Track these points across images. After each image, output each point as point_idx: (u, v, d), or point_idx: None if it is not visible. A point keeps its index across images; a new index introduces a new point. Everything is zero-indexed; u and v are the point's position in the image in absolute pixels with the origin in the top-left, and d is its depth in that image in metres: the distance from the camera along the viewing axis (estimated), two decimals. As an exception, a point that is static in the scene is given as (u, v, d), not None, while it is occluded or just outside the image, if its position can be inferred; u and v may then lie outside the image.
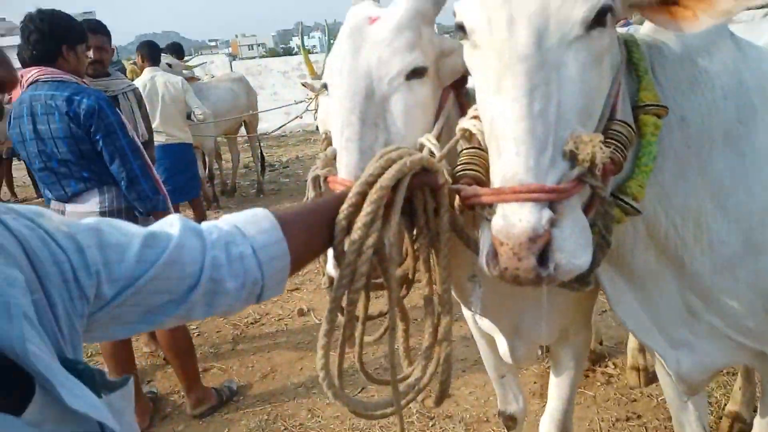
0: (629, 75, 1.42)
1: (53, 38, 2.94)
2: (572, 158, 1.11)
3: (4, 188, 10.09)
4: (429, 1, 1.51)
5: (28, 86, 2.94)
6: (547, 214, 1.06)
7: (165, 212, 3.15)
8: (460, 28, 1.24)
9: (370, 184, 1.12)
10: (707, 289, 1.53)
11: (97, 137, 2.92)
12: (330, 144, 1.49)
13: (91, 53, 3.58)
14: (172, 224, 0.99)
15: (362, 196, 1.12)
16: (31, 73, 2.94)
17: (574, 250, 1.08)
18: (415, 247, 1.30)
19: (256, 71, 16.96)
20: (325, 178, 1.42)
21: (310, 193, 1.48)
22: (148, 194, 3.06)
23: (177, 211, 5.91)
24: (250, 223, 1.06)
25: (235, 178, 9.15)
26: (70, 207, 3.06)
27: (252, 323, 4.63)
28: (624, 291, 1.63)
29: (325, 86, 1.53)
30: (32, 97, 2.90)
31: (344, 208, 1.12)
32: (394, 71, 1.40)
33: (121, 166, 2.97)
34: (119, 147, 2.97)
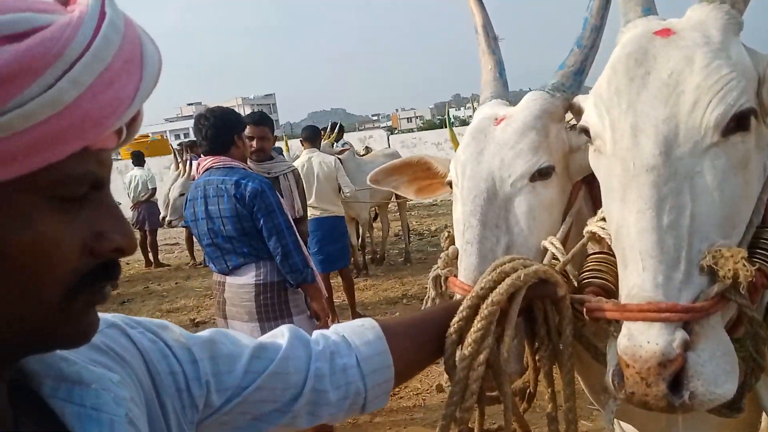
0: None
1: (225, 132, 3.43)
2: (711, 273, 1.00)
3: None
4: (557, 99, 1.49)
5: (203, 172, 3.45)
6: (680, 335, 0.96)
7: (313, 284, 3.45)
8: (585, 131, 1.20)
9: (482, 298, 1.10)
10: None
11: (259, 216, 3.27)
12: (452, 243, 1.49)
13: (254, 143, 4.15)
14: (282, 335, 1.04)
15: (474, 309, 1.10)
16: (206, 161, 3.44)
17: (714, 377, 0.96)
18: (537, 358, 1.24)
19: (411, 144, 17.65)
20: (446, 278, 1.42)
21: (431, 292, 1.47)
22: (299, 267, 3.32)
23: (328, 279, 6.21)
24: (356, 333, 1.09)
25: (385, 246, 9.42)
26: (230, 279, 3.40)
27: (390, 395, 4.62)
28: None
29: (450, 184, 1.55)
30: (206, 182, 3.37)
31: (455, 322, 1.10)
32: (517, 174, 1.38)
33: (278, 241, 3.28)
34: (277, 224, 3.30)
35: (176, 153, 7.29)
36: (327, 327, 1.14)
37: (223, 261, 3.38)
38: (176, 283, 9.38)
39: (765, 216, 1.12)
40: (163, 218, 6.99)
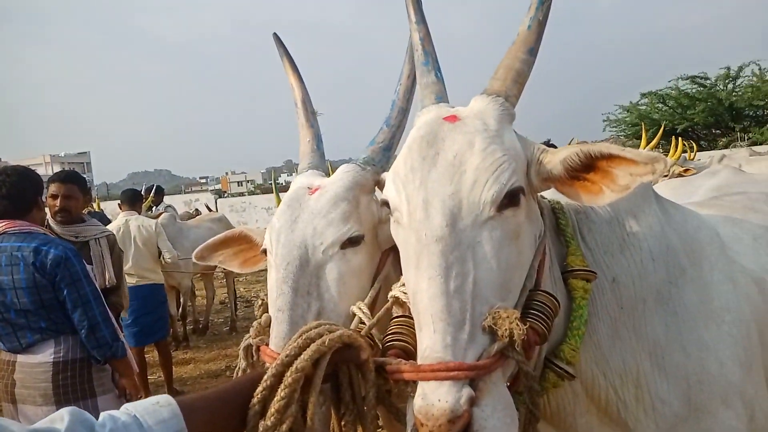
0: (557, 240, 1.48)
1: (25, 192, 3.05)
2: (492, 333, 1.11)
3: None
4: (368, 173, 1.59)
5: None
6: (466, 392, 1.05)
7: (123, 359, 3.15)
8: (386, 204, 1.30)
9: (287, 365, 1.11)
10: None
11: (62, 286, 2.95)
12: (266, 310, 1.50)
13: (58, 201, 3.69)
14: (62, 419, 0.96)
15: (278, 378, 1.10)
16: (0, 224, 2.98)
17: (496, 429, 1.05)
18: (342, 424, 1.27)
19: (241, 208, 17.39)
20: (258, 348, 1.41)
21: (242, 363, 1.46)
22: (107, 341, 3.05)
23: (142, 353, 5.74)
24: (149, 412, 1.03)
25: (209, 315, 9.01)
26: (22, 358, 2.98)
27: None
28: (570, 456, 1.57)
29: (264, 252, 1.56)
30: None
31: (258, 392, 1.09)
32: (328, 241, 1.44)
33: (84, 313, 2.99)
34: (83, 294, 3.00)
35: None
36: None
37: (15, 338, 2.95)
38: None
39: (537, 280, 1.27)
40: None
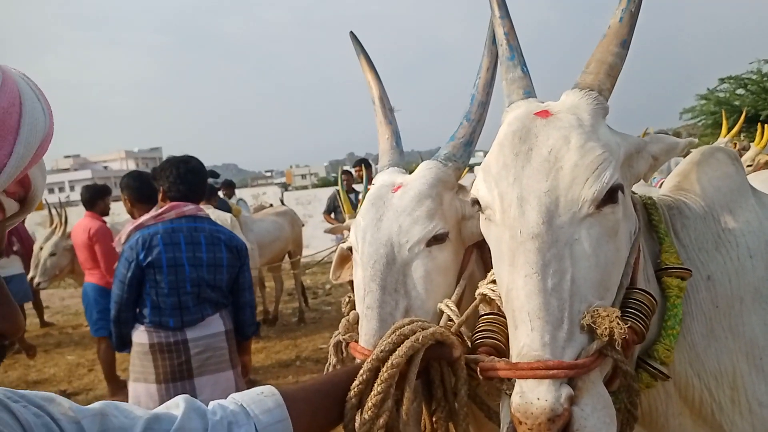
0: (650, 237, 1.44)
1: (205, 180, 3.49)
2: (591, 332, 1.10)
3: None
4: (450, 168, 1.59)
5: (180, 218, 3.26)
6: (566, 391, 1.04)
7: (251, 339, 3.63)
8: (476, 202, 1.29)
9: (382, 361, 1.13)
10: None
11: (244, 269, 3.43)
12: (353, 308, 1.53)
13: None
14: (177, 405, 1.02)
15: (374, 372, 1.13)
16: (188, 207, 3.29)
17: (596, 428, 1.04)
18: (434, 420, 1.28)
19: (306, 200, 17.66)
20: (347, 344, 1.44)
21: (332, 359, 1.49)
22: (255, 320, 3.56)
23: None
24: (255, 402, 1.08)
25: (278, 306, 9.23)
26: (195, 332, 3.21)
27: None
28: (662, 458, 1.53)
29: (350, 249, 1.59)
30: (194, 228, 3.24)
31: (355, 386, 1.12)
32: (414, 239, 1.45)
33: (250, 294, 3.49)
34: (249, 279, 3.48)
35: (51, 208, 6.82)
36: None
37: (198, 310, 3.22)
38: (45, 351, 8.58)
39: (633, 278, 1.25)
40: (31, 279, 6.44)
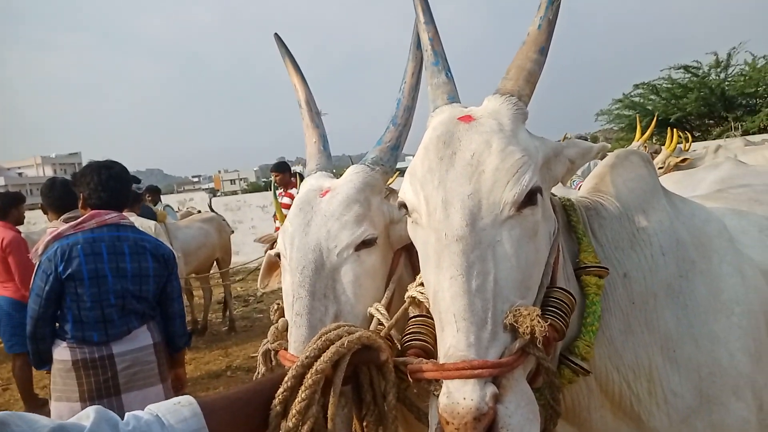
0: (569, 237, 1.49)
1: (128, 186, 3.29)
2: (513, 331, 1.13)
3: None
4: (377, 172, 1.60)
5: (102, 227, 3.07)
6: (490, 390, 1.06)
7: (184, 350, 3.48)
8: (402, 206, 1.31)
9: (307, 367, 1.12)
10: None
11: (171, 278, 3.27)
12: (282, 315, 1.51)
13: None
14: (88, 416, 0.98)
15: (299, 379, 1.12)
16: (111, 215, 3.09)
17: (520, 425, 1.07)
18: (364, 424, 1.28)
19: (236, 206, 17.32)
20: (276, 352, 1.42)
21: (261, 368, 1.46)
22: (187, 331, 3.42)
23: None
24: (170, 411, 1.06)
25: (207, 316, 8.99)
26: (120, 346, 3.04)
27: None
28: (585, 450, 1.59)
29: (278, 256, 1.57)
30: (117, 237, 3.08)
31: (279, 393, 1.11)
32: (343, 244, 1.44)
33: (179, 304, 3.33)
34: (177, 288, 3.33)
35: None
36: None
37: (124, 323, 3.04)
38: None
39: (553, 277, 1.29)
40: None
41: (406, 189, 1.28)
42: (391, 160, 1.67)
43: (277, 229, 8.14)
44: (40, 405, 5.45)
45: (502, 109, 1.30)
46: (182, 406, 1.07)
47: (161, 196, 11.25)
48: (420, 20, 1.52)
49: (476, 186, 1.18)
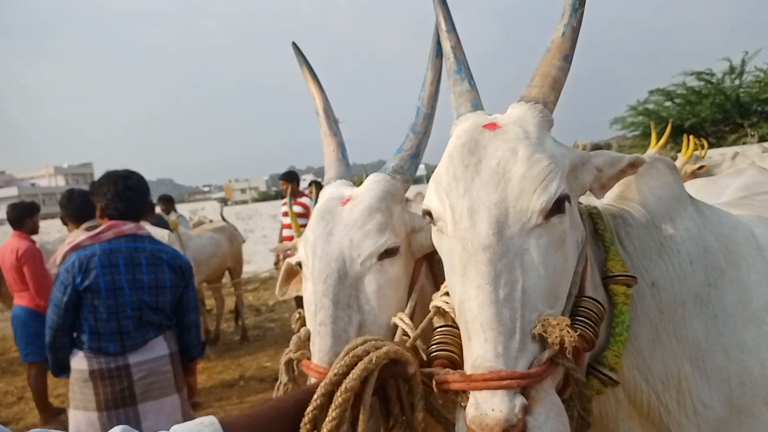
0: (596, 245, 1.47)
1: (146, 196, 3.31)
2: (542, 341, 1.11)
3: None
4: (398, 181, 1.59)
5: (119, 237, 3.09)
6: (519, 401, 1.04)
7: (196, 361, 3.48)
8: (427, 214, 1.29)
9: (336, 384, 1.11)
10: None
11: (188, 290, 3.28)
12: (304, 324, 1.49)
13: None
14: None
15: (328, 397, 1.10)
16: (128, 226, 3.11)
17: None
18: (392, 436, 1.26)
19: (247, 215, 17.38)
20: (299, 362, 1.40)
21: (283, 378, 1.45)
22: (201, 341, 3.43)
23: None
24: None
25: (219, 325, 9.00)
26: (137, 357, 3.05)
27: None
28: (613, 462, 1.56)
29: (299, 264, 1.55)
30: (134, 248, 3.08)
31: (309, 411, 1.10)
32: (366, 253, 1.43)
33: (195, 315, 3.35)
34: (194, 299, 3.33)
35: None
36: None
37: (139, 334, 3.06)
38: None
39: (581, 286, 1.27)
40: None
41: (431, 197, 1.27)
42: (411, 169, 1.66)
43: (284, 238, 8.16)
44: (54, 414, 5.46)
45: (527, 117, 1.29)
46: (204, 426, 1.07)
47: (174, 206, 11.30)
48: (442, 29, 1.52)
49: (503, 194, 1.17)
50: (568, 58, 1.34)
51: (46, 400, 5.60)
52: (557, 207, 1.18)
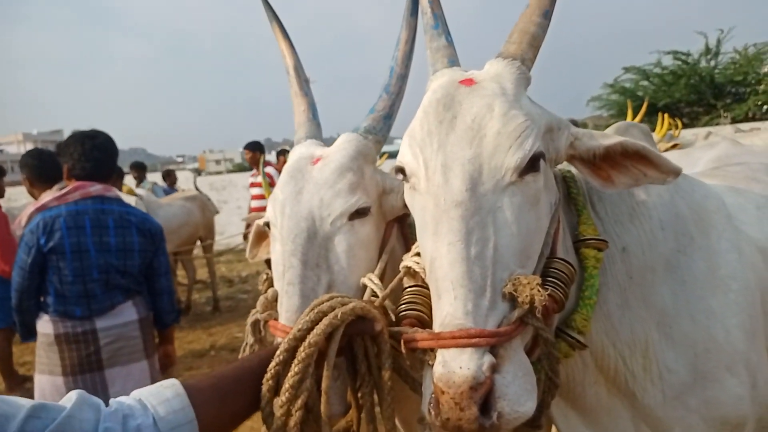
0: (569, 209, 1.46)
1: (114, 157, 3.17)
2: (512, 300, 1.09)
3: None
4: (370, 141, 1.55)
5: (86, 199, 2.97)
6: (488, 359, 1.03)
7: (173, 327, 3.42)
8: (400, 170, 1.26)
9: (300, 340, 1.08)
10: (659, 420, 1.50)
11: (158, 254, 3.19)
12: (271, 285, 1.46)
13: None
14: (69, 398, 0.96)
15: (291, 352, 1.08)
16: (95, 187, 3.00)
17: (517, 396, 1.03)
18: (359, 396, 1.24)
19: (221, 186, 17.16)
20: (266, 322, 1.37)
21: (249, 339, 1.42)
22: (175, 307, 3.35)
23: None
24: (153, 394, 1.04)
25: (191, 295, 8.92)
26: (104, 321, 2.98)
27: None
28: (577, 426, 1.58)
29: (267, 225, 1.51)
30: (101, 210, 2.98)
31: (271, 367, 1.07)
32: (337, 213, 1.40)
33: (168, 280, 3.25)
34: (165, 263, 3.24)
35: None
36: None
37: (106, 298, 2.98)
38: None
39: (552, 248, 1.25)
40: None
41: (405, 152, 1.24)
42: (383, 129, 1.63)
43: (253, 209, 8.10)
44: (19, 382, 5.37)
45: (504, 73, 1.25)
46: (164, 388, 1.05)
47: (146, 174, 11.10)
48: None
49: (477, 150, 1.14)
50: (547, 15, 1.31)
51: (11, 367, 5.49)
52: (532, 165, 1.16)
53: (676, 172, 1.24)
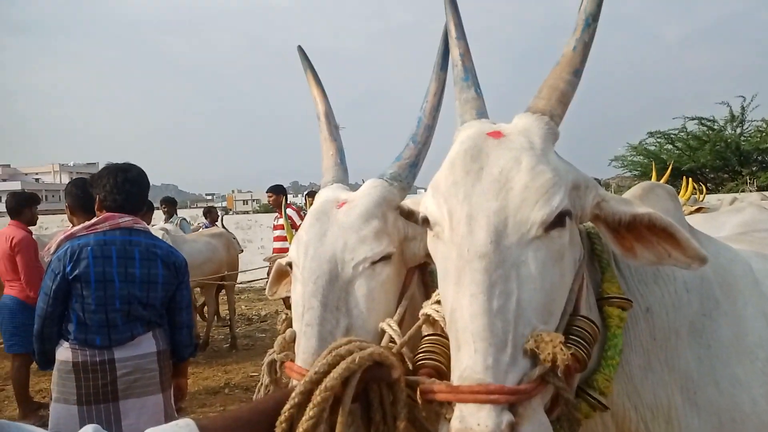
0: (592, 266, 1.44)
1: (145, 191, 3.26)
2: (533, 357, 1.07)
3: None
4: (395, 188, 1.57)
5: (114, 230, 3.03)
6: (507, 418, 1.00)
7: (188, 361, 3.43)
8: (424, 220, 1.27)
9: (316, 383, 1.07)
10: None
11: (182, 287, 3.22)
12: (290, 325, 1.46)
13: None
14: None
15: (307, 395, 1.06)
16: (124, 219, 3.07)
17: None
18: (372, 444, 1.22)
19: (246, 225, 17.34)
20: (282, 363, 1.37)
21: (265, 379, 1.41)
22: (193, 342, 3.39)
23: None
24: None
25: (209, 331, 8.90)
26: (123, 352, 2.99)
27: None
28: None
29: (290, 265, 1.52)
30: (129, 242, 3.03)
31: (286, 409, 1.06)
32: (360, 257, 1.40)
33: (188, 314, 3.29)
34: (188, 298, 3.29)
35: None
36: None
37: (127, 329, 3.00)
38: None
39: (576, 305, 1.24)
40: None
41: (429, 203, 1.24)
42: (409, 177, 1.65)
43: (275, 250, 8.16)
44: (34, 409, 5.37)
45: (533, 128, 1.27)
46: (180, 428, 1.05)
47: (176, 209, 11.28)
48: (452, 35, 1.51)
49: (503, 202, 1.14)
50: (578, 73, 1.33)
51: (26, 394, 5.51)
52: (558, 220, 1.15)
53: (702, 259, 1.21)
